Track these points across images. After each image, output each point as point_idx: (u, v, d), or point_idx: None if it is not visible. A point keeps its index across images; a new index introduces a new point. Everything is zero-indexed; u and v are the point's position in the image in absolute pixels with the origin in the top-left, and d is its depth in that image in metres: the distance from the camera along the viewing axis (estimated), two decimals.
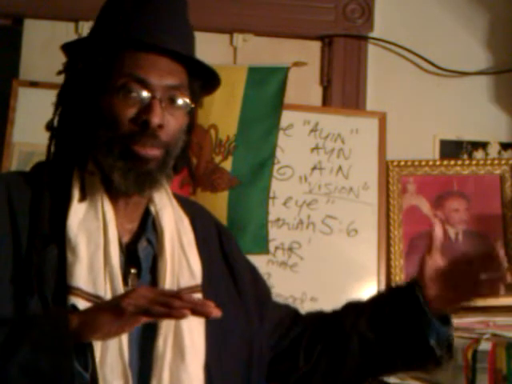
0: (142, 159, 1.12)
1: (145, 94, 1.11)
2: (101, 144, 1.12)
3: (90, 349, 0.99)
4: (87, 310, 1.01)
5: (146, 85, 1.11)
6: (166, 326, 1.11)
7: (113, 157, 1.11)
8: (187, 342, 1.12)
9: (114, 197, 1.15)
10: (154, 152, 1.12)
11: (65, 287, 1.06)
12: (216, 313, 0.94)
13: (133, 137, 1.11)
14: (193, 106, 1.18)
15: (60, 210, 1.12)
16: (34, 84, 2.10)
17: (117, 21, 1.14)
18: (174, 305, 0.93)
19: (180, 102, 1.14)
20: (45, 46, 2.18)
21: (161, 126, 1.11)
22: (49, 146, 1.20)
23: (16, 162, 2.05)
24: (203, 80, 1.20)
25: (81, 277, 1.06)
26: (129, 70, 1.11)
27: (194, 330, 1.14)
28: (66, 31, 2.20)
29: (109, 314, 0.97)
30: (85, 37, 1.20)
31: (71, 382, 0.95)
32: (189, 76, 1.17)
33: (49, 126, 1.21)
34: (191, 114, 1.19)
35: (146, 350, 1.11)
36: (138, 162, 1.12)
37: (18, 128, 2.08)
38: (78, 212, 1.12)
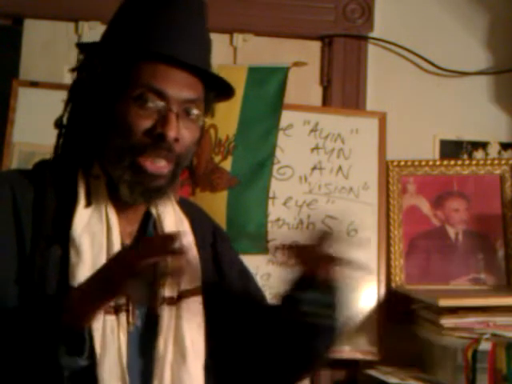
0: (150, 175, 1.11)
1: (161, 105, 1.10)
2: (110, 151, 1.12)
3: (88, 337, 0.99)
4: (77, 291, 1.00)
5: (163, 96, 1.10)
6: (167, 326, 1.12)
7: (122, 168, 1.11)
8: (188, 343, 1.12)
9: (118, 200, 1.14)
10: (163, 168, 1.12)
11: (67, 288, 1.05)
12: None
13: (144, 149, 1.10)
14: (206, 118, 1.18)
15: (64, 211, 1.12)
16: (34, 84, 2.10)
17: (135, 28, 1.13)
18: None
19: (195, 115, 1.14)
20: (45, 46, 2.18)
21: (176, 140, 1.10)
22: (56, 144, 1.19)
23: (16, 162, 2.05)
24: (217, 90, 1.20)
25: (83, 278, 1.05)
26: (147, 81, 1.10)
27: (194, 330, 1.14)
28: (66, 31, 2.20)
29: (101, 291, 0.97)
30: (103, 40, 1.18)
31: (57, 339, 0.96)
32: (204, 87, 1.16)
33: (58, 123, 1.19)
34: (202, 124, 1.19)
35: (147, 351, 1.11)
36: (146, 178, 1.11)
37: (17, 128, 2.08)
38: (83, 215, 1.12)
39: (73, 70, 1.19)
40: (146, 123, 1.10)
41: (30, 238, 1.09)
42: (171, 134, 1.09)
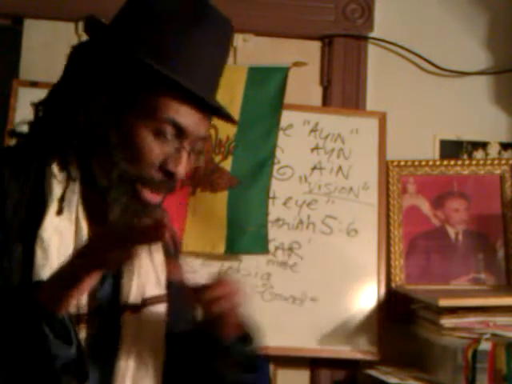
0: (148, 205, 1.10)
1: (178, 141, 1.10)
2: (110, 167, 1.08)
3: (71, 325, 0.97)
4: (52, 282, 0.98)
5: (182, 134, 1.10)
6: (129, 336, 1.10)
7: (120, 191, 1.09)
8: (150, 354, 1.12)
9: (89, 201, 1.12)
10: (160, 197, 1.12)
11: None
12: None
13: (151, 182, 1.10)
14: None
15: (29, 208, 1.08)
16: (33, 84, 2.10)
17: (165, 51, 1.09)
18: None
19: (201, 148, 1.15)
20: (45, 46, 2.18)
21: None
22: (30, 129, 1.16)
23: None
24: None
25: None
26: (172, 117, 1.09)
27: (155, 341, 1.14)
28: (66, 31, 2.20)
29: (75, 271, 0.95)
30: (123, 44, 1.12)
31: (43, 344, 0.94)
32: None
33: (39, 104, 1.17)
34: None
35: (106, 363, 1.09)
36: (143, 206, 1.10)
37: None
38: (53, 217, 1.09)
39: (88, 69, 1.14)
40: (160, 157, 1.09)
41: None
42: (182, 172, 1.10)
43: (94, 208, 1.12)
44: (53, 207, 1.09)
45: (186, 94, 1.08)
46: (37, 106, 1.18)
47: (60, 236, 1.08)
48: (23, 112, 2.08)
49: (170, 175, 1.10)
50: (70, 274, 0.96)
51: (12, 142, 1.21)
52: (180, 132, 1.10)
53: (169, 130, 1.09)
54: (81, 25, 2.19)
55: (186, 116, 1.10)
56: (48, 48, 2.18)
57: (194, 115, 1.11)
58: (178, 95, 1.08)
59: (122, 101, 1.09)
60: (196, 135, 1.11)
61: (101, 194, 1.09)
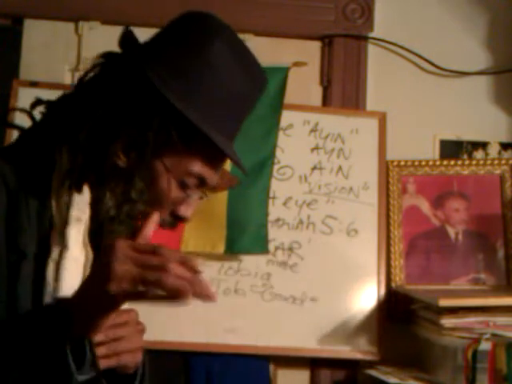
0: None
1: (195, 190, 1.13)
2: (123, 202, 1.07)
3: (88, 344, 0.95)
4: (75, 305, 0.94)
5: (203, 185, 1.13)
6: None
7: (122, 225, 1.08)
8: None
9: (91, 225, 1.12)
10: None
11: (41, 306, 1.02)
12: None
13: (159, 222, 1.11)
14: None
15: (38, 221, 1.06)
16: (33, 84, 2.10)
17: (201, 98, 1.08)
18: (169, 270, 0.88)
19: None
20: (45, 46, 2.18)
21: None
22: (37, 130, 1.13)
23: None
24: None
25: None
26: (199, 173, 1.11)
27: None
28: (66, 31, 2.20)
29: (98, 303, 0.92)
30: (162, 89, 1.07)
31: (69, 378, 0.91)
32: None
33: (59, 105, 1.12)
34: None
35: None
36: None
37: None
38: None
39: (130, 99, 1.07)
40: (174, 201, 1.12)
41: (4, 249, 1.03)
42: (189, 215, 1.13)
43: (93, 231, 1.10)
44: (69, 228, 1.06)
45: (219, 153, 1.11)
46: (51, 110, 1.15)
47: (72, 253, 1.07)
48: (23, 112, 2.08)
49: (176, 216, 1.12)
50: (97, 303, 0.92)
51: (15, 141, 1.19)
52: (201, 183, 1.12)
53: (192, 181, 1.11)
54: (81, 25, 2.19)
55: (210, 170, 1.12)
56: (48, 48, 2.18)
57: (216, 167, 1.14)
58: (211, 153, 1.10)
59: (152, 143, 1.07)
60: (213, 184, 1.15)
61: (103, 221, 1.08)
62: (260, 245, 2.07)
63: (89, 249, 1.09)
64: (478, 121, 2.28)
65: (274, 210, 2.12)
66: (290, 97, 2.16)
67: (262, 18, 2.23)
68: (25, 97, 2.08)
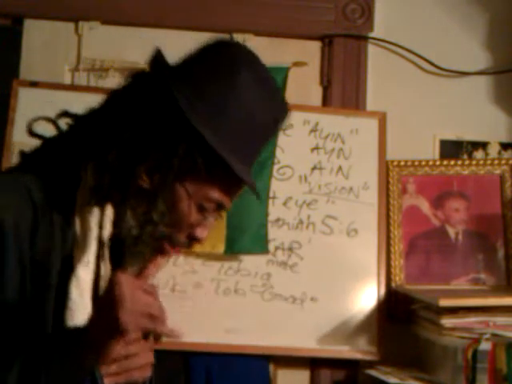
0: (165, 254, 1.18)
1: (212, 213, 1.18)
2: (145, 223, 1.12)
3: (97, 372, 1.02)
4: (91, 341, 1.02)
5: (220, 209, 1.18)
6: None
7: (146, 246, 1.13)
8: None
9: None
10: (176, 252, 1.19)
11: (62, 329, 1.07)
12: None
13: (176, 242, 1.17)
14: None
15: (60, 236, 1.11)
16: (33, 84, 2.10)
17: (228, 130, 1.12)
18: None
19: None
20: (45, 46, 2.18)
21: None
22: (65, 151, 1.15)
23: (16, 162, 2.05)
24: None
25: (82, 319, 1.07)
26: (218, 199, 1.15)
27: None
28: (66, 31, 2.20)
29: (112, 339, 1.01)
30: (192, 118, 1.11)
31: None
32: None
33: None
34: None
35: None
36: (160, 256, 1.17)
37: (17, 128, 2.08)
38: (89, 255, 1.12)
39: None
40: (193, 223, 1.16)
41: (29, 272, 1.08)
42: (204, 237, 1.18)
43: (113, 249, 1.14)
44: (91, 246, 1.11)
45: (238, 181, 1.15)
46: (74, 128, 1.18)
47: (91, 276, 1.11)
48: (23, 112, 2.08)
49: (195, 239, 1.18)
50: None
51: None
52: (219, 208, 1.17)
53: (210, 206, 1.15)
54: (81, 25, 2.19)
55: (229, 200, 1.18)
56: (48, 48, 2.18)
57: (234, 193, 1.19)
58: (230, 181, 1.14)
59: (177, 168, 1.11)
60: (229, 208, 1.19)
61: (125, 239, 1.12)
62: (260, 245, 2.07)
63: (108, 265, 1.13)
64: (478, 121, 2.28)
65: (274, 210, 2.12)
66: (290, 97, 2.14)
67: (262, 17, 2.23)
68: (25, 97, 2.09)
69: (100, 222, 1.11)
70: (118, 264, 1.13)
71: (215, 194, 1.14)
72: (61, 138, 1.19)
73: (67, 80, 2.16)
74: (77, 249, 1.10)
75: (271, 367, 2.11)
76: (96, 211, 1.10)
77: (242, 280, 2.08)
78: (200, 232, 1.17)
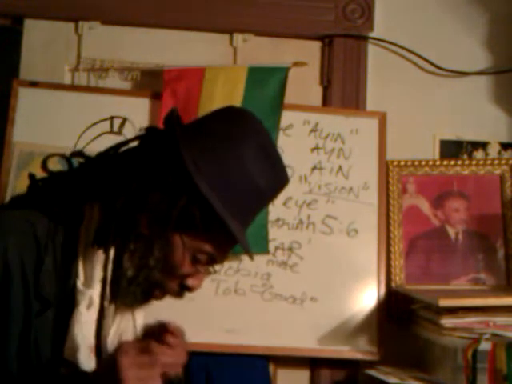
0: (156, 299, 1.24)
1: (206, 266, 1.23)
2: (140, 267, 1.18)
3: None
4: None
5: (214, 262, 1.23)
6: None
7: (139, 288, 1.19)
8: None
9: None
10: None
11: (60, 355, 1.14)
12: None
13: (168, 291, 1.23)
14: None
15: (63, 271, 1.17)
16: (33, 84, 2.10)
17: (228, 191, 1.19)
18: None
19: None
20: (45, 46, 2.18)
21: None
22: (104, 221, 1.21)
23: (16, 162, 2.05)
24: None
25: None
26: (212, 252, 1.21)
27: None
28: (66, 31, 2.20)
29: None
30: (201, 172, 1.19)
31: None
32: None
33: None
34: None
35: None
36: (147, 303, 1.24)
37: (18, 128, 2.08)
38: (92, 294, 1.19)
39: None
40: (186, 273, 1.21)
41: (30, 302, 1.15)
42: (197, 288, 1.23)
43: (112, 288, 1.21)
44: (96, 286, 1.18)
45: (232, 240, 1.20)
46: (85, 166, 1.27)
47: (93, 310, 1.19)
48: (23, 112, 2.08)
49: (187, 289, 1.23)
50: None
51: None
52: (211, 261, 1.23)
53: (203, 258, 1.21)
54: (81, 25, 2.19)
55: (223, 254, 1.24)
56: (48, 48, 2.18)
57: (227, 249, 1.25)
58: (225, 238, 1.20)
59: (175, 220, 1.17)
60: (222, 262, 1.25)
61: (121, 279, 1.18)
62: (260, 245, 2.07)
63: (111, 305, 1.21)
64: (477, 121, 2.28)
65: (274, 210, 2.12)
66: (289, 97, 2.16)
67: (262, 17, 2.23)
68: (25, 97, 2.09)
69: (104, 265, 1.18)
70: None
71: (209, 248, 1.20)
72: (69, 175, 1.28)
73: (67, 80, 2.16)
74: (79, 287, 1.17)
75: (271, 367, 2.11)
76: (101, 253, 1.18)
77: (242, 280, 2.08)
78: (191, 282, 1.22)
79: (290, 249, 2.11)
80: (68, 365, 1.13)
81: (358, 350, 2.07)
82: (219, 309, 2.04)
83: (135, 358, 1.06)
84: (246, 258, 2.09)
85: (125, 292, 1.18)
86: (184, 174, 1.16)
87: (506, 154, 2.26)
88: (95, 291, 1.17)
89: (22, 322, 1.13)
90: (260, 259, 2.09)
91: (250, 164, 1.20)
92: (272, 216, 2.11)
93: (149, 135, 1.25)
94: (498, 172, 2.21)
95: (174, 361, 1.16)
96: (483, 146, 2.27)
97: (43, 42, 2.18)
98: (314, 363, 2.12)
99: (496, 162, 2.22)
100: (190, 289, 1.23)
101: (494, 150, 2.27)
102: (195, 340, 2.02)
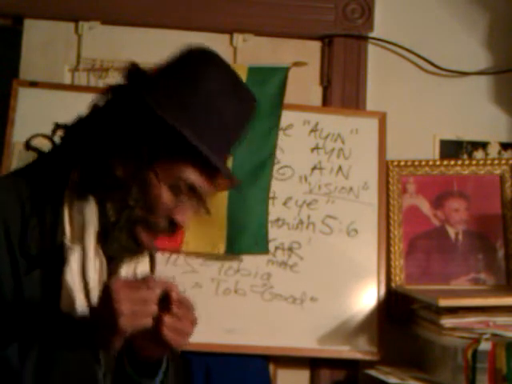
0: (142, 248, 1.25)
1: (187, 196, 1.23)
2: (122, 209, 1.20)
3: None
4: (95, 335, 1.11)
5: (193, 191, 1.23)
6: None
7: (121, 231, 1.21)
8: None
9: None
10: (154, 242, 1.25)
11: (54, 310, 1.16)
12: None
13: (152, 226, 1.23)
14: None
15: (49, 229, 1.20)
16: (33, 84, 2.10)
17: (193, 119, 1.20)
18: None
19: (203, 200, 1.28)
20: (45, 46, 2.18)
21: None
22: (55, 152, 1.27)
23: (16, 162, 2.05)
24: None
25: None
26: (191, 180, 1.22)
27: None
28: (66, 31, 2.20)
29: (111, 334, 1.10)
30: (158, 111, 1.21)
31: None
32: None
33: (64, 127, 1.27)
34: None
35: None
36: (140, 248, 1.24)
37: (18, 128, 2.08)
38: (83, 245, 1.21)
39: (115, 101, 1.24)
40: (169, 207, 1.22)
41: (17, 260, 1.17)
42: (185, 222, 1.24)
43: (100, 237, 1.23)
44: (89, 238, 1.21)
45: (205, 163, 1.21)
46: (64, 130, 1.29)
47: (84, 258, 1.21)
48: (23, 112, 2.08)
49: (173, 223, 1.23)
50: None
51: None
52: (191, 189, 1.23)
53: (182, 187, 1.22)
54: (81, 25, 2.19)
55: (199, 178, 1.23)
56: (48, 48, 2.18)
57: (206, 177, 1.24)
58: (198, 162, 1.21)
59: (146, 156, 1.20)
60: (204, 192, 1.25)
61: (107, 227, 1.21)
62: (260, 245, 2.07)
63: (101, 252, 1.22)
64: (477, 121, 2.28)
65: (274, 210, 2.12)
66: (289, 97, 2.16)
67: (262, 17, 2.23)
68: (25, 97, 2.09)
69: (87, 214, 1.21)
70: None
71: (184, 174, 1.21)
72: (53, 151, 1.30)
73: (67, 80, 2.16)
74: (68, 243, 1.19)
75: (271, 367, 2.11)
76: (86, 208, 1.21)
77: (242, 280, 2.08)
78: (178, 216, 1.23)
79: (290, 249, 2.11)
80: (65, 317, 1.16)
81: (357, 350, 2.07)
82: (219, 309, 2.04)
83: (130, 292, 1.08)
84: (245, 257, 2.09)
85: (111, 239, 1.21)
86: (149, 113, 1.19)
87: (506, 154, 2.26)
88: (86, 244, 1.19)
89: (13, 280, 1.16)
90: (260, 259, 2.09)
91: (213, 92, 1.22)
92: (272, 216, 2.11)
93: (115, 90, 1.27)
94: (497, 172, 2.21)
95: (180, 328, 1.17)
96: (483, 146, 2.27)
97: (43, 42, 2.18)
98: (313, 363, 2.12)
99: (496, 161, 2.22)
100: (178, 223, 1.24)
101: (493, 149, 2.27)
102: (195, 340, 2.02)
